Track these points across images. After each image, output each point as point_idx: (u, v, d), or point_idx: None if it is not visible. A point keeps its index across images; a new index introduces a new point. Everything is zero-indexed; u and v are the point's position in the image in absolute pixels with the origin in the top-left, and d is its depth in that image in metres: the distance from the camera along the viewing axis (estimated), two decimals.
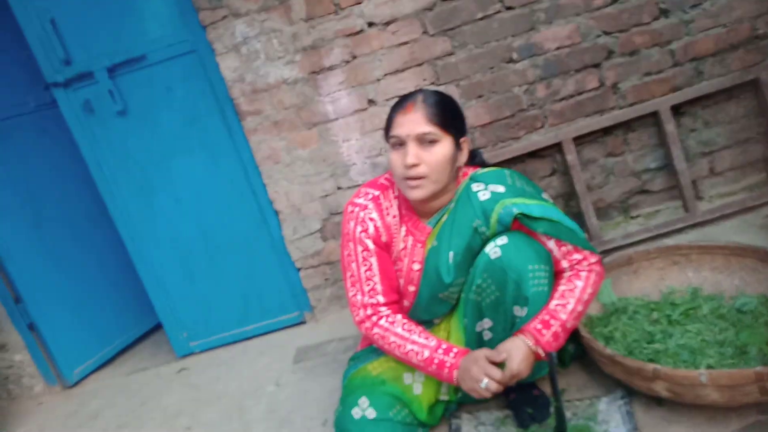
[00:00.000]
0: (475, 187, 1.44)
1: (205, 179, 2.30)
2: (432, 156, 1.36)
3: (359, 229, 1.48)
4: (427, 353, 1.38)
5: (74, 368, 2.60)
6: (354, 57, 2.10)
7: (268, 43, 2.09)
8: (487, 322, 1.43)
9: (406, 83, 2.12)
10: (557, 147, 2.17)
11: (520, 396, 1.50)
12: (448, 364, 1.36)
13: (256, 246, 2.38)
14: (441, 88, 2.10)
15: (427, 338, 1.41)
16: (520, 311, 1.37)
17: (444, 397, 1.53)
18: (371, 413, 1.46)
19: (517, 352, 1.29)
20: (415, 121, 1.36)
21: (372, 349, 1.63)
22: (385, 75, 2.11)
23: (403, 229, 1.51)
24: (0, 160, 2.44)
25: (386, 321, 1.46)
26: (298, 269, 2.37)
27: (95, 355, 2.67)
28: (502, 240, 1.37)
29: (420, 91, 1.44)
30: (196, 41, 2.12)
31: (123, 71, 2.18)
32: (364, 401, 1.48)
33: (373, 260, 1.48)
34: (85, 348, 2.64)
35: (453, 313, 1.53)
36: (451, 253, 1.42)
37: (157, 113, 2.23)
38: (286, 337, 2.42)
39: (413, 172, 1.36)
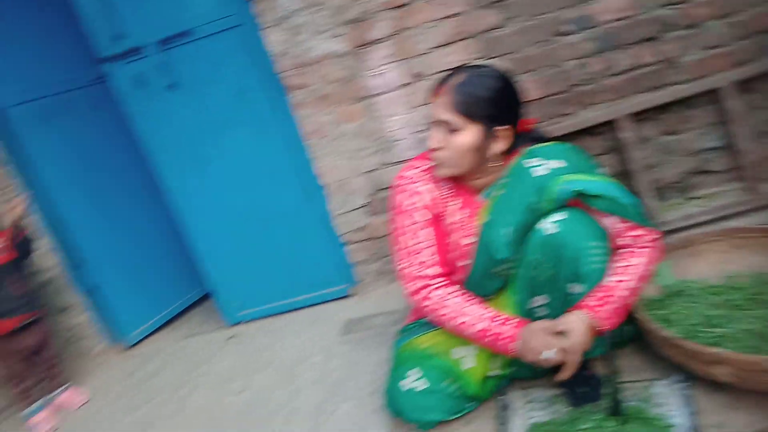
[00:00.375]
0: (530, 162, 1.42)
1: (254, 152, 2.34)
2: (452, 143, 1.39)
3: (411, 200, 1.49)
4: (482, 325, 1.39)
5: (132, 331, 2.75)
6: (400, 30, 2.07)
7: (313, 16, 2.07)
8: (540, 299, 1.43)
9: (453, 57, 2.08)
10: (611, 124, 2.10)
11: (573, 375, 1.50)
12: (503, 336, 1.36)
13: (303, 219, 2.42)
14: (489, 62, 2.06)
15: (482, 309, 1.41)
16: (576, 288, 1.36)
17: (494, 372, 1.55)
18: (420, 385, 1.49)
19: (577, 326, 1.28)
20: (440, 107, 1.38)
21: (421, 323, 1.65)
22: (432, 48, 2.08)
23: (457, 202, 1.51)
24: (58, 132, 2.55)
25: (439, 293, 1.46)
26: (344, 243, 2.41)
27: (151, 319, 2.81)
28: (560, 216, 1.36)
29: (462, 70, 1.40)
30: (241, 15, 2.13)
31: (172, 45, 2.21)
32: (413, 373, 1.51)
33: (426, 231, 1.49)
34: (142, 312, 2.78)
35: (504, 290, 1.53)
36: (505, 230, 1.41)
37: (205, 87, 2.26)
38: (333, 310, 2.48)
39: (433, 154, 1.42)
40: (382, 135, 2.21)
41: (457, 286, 1.49)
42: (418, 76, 2.12)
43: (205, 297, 3.02)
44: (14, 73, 2.42)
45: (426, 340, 1.60)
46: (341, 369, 2.02)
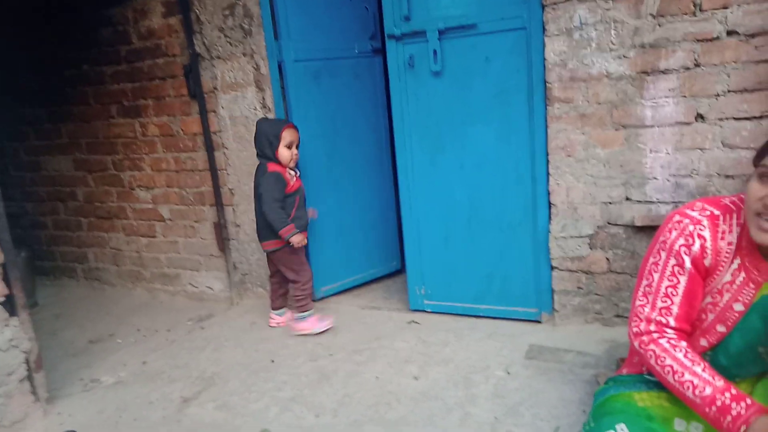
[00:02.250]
0: None
1: (492, 153, 2.34)
2: None
3: (681, 241, 1.32)
4: (709, 390, 1.21)
5: (323, 286, 2.94)
6: (697, 65, 1.90)
7: (605, 32, 2.00)
8: None
9: (750, 106, 1.85)
10: None
11: None
12: (734, 412, 1.16)
13: (518, 231, 2.37)
14: None
15: (713, 376, 1.23)
16: None
17: None
18: None
19: None
20: None
21: (640, 378, 1.50)
22: (728, 92, 1.88)
23: (737, 261, 1.32)
24: (321, 92, 2.81)
25: (668, 342, 1.30)
26: (553, 268, 2.30)
27: (341, 280, 2.98)
28: None
29: None
30: (529, 19, 2.13)
31: (451, 35, 2.29)
32: (622, 428, 1.37)
33: (683, 279, 1.33)
34: (335, 271, 2.96)
35: (765, 375, 1.32)
36: None
37: (469, 80, 2.31)
38: (518, 330, 2.39)
39: (761, 210, 1.19)
40: (635, 169, 2.06)
41: (687, 344, 1.31)
42: (701, 118, 1.93)
43: (391, 275, 3.12)
44: (300, 33, 2.72)
45: (646, 399, 1.44)
46: (521, 392, 1.93)
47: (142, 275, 3.44)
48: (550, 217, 2.26)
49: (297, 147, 2.55)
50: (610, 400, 1.50)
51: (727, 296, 1.33)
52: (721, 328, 1.34)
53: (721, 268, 1.33)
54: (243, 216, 2.95)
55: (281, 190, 2.48)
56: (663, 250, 1.36)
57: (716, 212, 1.33)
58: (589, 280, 2.24)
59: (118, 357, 2.63)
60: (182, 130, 3.00)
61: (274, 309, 2.75)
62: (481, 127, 2.34)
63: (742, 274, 1.31)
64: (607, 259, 2.19)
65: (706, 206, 1.36)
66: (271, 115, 2.74)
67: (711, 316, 1.36)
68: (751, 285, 1.30)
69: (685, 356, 1.28)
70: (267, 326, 2.72)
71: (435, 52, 2.32)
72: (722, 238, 1.32)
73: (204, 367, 2.40)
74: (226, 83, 2.80)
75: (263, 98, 2.74)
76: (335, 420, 1.89)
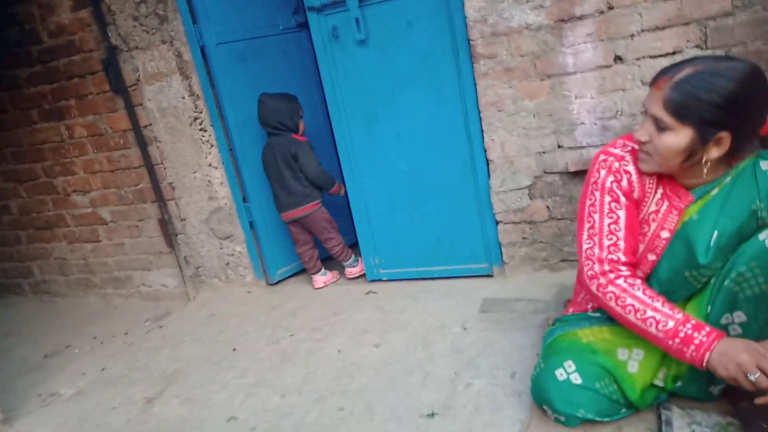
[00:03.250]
0: (764, 165, 1.26)
1: (426, 117, 2.34)
2: (658, 141, 1.28)
3: (611, 178, 1.38)
4: (671, 324, 1.26)
5: (278, 269, 2.93)
6: (610, 7, 1.94)
7: None
8: (738, 316, 1.28)
9: (663, 43, 1.91)
10: None
11: (754, 406, 1.34)
12: (696, 341, 1.22)
13: (460, 191, 2.40)
14: (707, 53, 1.87)
15: (672, 309, 1.29)
16: None
17: (659, 383, 1.43)
18: (576, 378, 1.42)
19: None
20: (655, 101, 1.26)
21: (584, 316, 1.57)
22: (642, 31, 1.92)
23: (660, 191, 1.38)
24: (250, 73, 2.75)
25: (625, 281, 1.35)
26: (497, 222, 2.35)
27: (295, 262, 2.97)
28: None
29: (688, 64, 1.23)
30: None
31: (371, 2, 2.26)
32: (570, 365, 1.45)
33: (622, 213, 1.38)
34: (288, 253, 2.95)
35: (692, 298, 1.40)
36: (715, 233, 1.28)
37: (394, 46, 2.30)
38: (472, 286, 2.45)
39: (642, 147, 1.32)
40: (563, 117, 2.11)
41: (641, 280, 1.38)
42: (619, 60, 1.98)
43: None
44: (220, 15, 2.63)
45: (589, 335, 1.51)
46: (478, 345, 1.98)
47: (92, 282, 3.35)
48: (489, 173, 2.30)
49: None
50: (557, 340, 1.56)
51: (654, 225, 1.39)
52: (651, 257, 1.41)
53: (647, 199, 1.39)
54: (187, 209, 2.89)
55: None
56: (596, 190, 1.41)
57: (636, 147, 1.38)
58: (533, 230, 2.31)
59: (76, 367, 2.57)
60: (110, 127, 2.89)
61: (315, 273, 2.83)
62: (412, 92, 2.34)
63: (666, 203, 1.38)
64: (547, 207, 2.25)
65: (627, 142, 1.42)
66: (200, 102, 2.67)
67: (641, 247, 1.42)
68: (674, 212, 1.37)
69: (643, 293, 1.33)
70: (225, 317, 2.70)
71: (357, 20, 2.28)
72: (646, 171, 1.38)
73: (165, 366, 2.37)
74: (148, 74, 2.69)
75: (190, 85, 2.65)
76: (300, 398, 1.91)
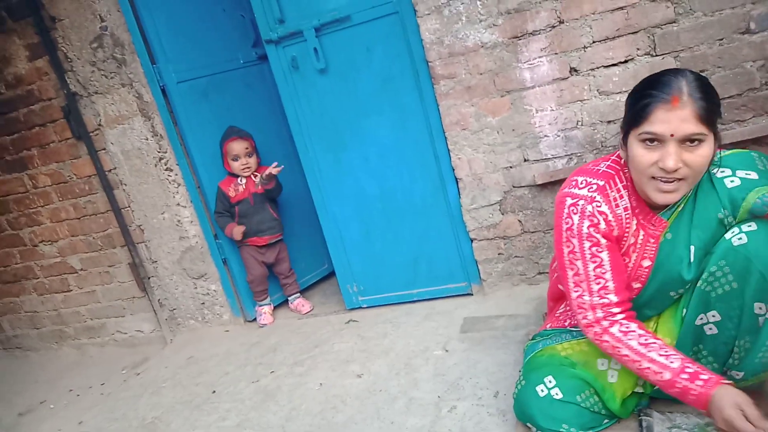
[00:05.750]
0: (719, 173, 1.27)
1: (393, 140, 2.35)
2: (695, 158, 1.18)
3: (587, 224, 1.33)
4: (668, 375, 1.23)
5: (255, 304, 2.87)
6: (561, 21, 1.98)
7: (471, 4, 2.04)
8: (713, 315, 1.29)
9: (615, 52, 1.95)
10: None
11: None
12: (694, 392, 1.20)
13: (432, 211, 2.40)
14: (657, 60, 1.91)
15: (667, 357, 1.25)
16: (762, 309, 1.21)
17: (639, 389, 1.42)
18: (557, 393, 1.41)
19: None
20: (684, 120, 1.16)
21: (562, 330, 1.56)
22: (593, 42, 1.96)
23: (634, 222, 1.35)
24: (213, 109, 2.74)
25: (619, 330, 1.31)
26: (472, 240, 2.35)
27: (273, 296, 2.92)
28: (750, 226, 1.21)
29: (677, 75, 1.20)
30: (399, 2, 2.15)
31: (328, 31, 2.28)
32: (550, 380, 1.43)
33: (605, 255, 1.33)
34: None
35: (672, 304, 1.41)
36: (692, 248, 1.29)
37: (354, 73, 2.31)
38: (452, 306, 2.43)
39: (673, 175, 1.20)
40: (526, 131, 2.13)
41: (636, 323, 1.34)
42: (574, 71, 2.01)
43: (325, 278, 3.10)
44: (179, 53, 2.63)
45: (568, 348, 1.51)
46: (460, 366, 1.96)
47: (65, 333, 3.25)
48: (459, 192, 2.30)
49: (250, 155, 2.69)
50: (536, 355, 1.55)
51: (634, 256, 1.38)
52: (636, 285, 1.41)
53: (626, 234, 1.37)
54: (158, 250, 2.84)
55: (222, 203, 2.72)
56: (573, 237, 1.35)
57: (601, 183, 1.35)
58: (508, 245, 2.31)
59: (52, 424, 2.48)
60: (75, 174, 2.85)
61: (262, 302, 2.86)
62: (376, 117, 2.34)
63: (642, 233, 1.36)
64: (519, 221, 2.26)
65: (589, 180, 1.37)
66: (164, 142, 2.64)
67: (631, 277, 1.40)
68: (651, 240, 1.36)
69: (638, 343, 1.28)
70: (204, 359, 2.63)
71: (316, 49, 2.30)
72: (617, 206, 1.35)
73: (143, 414, 2.29)
74: (110, 118, 2.66)
75: (152, 126, 2.63)
76: None
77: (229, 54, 2.79)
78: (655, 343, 1.28)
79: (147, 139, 2.65)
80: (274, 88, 2.86)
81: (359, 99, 2.34)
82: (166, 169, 2.68)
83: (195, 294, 2.87)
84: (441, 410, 1.75)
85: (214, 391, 2.30)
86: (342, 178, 2.48)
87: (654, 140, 1.21)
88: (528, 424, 1.46)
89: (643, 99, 1.22)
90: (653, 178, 1.23)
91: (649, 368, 1.26)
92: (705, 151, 1.19)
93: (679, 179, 1.21)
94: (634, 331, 1.30)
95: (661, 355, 1.25)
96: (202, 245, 2.76)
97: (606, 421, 1.43)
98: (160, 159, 2.67)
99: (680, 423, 1.38)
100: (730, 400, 1.15)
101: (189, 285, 2.86)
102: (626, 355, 1.29)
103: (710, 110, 1.17)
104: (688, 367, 1.22)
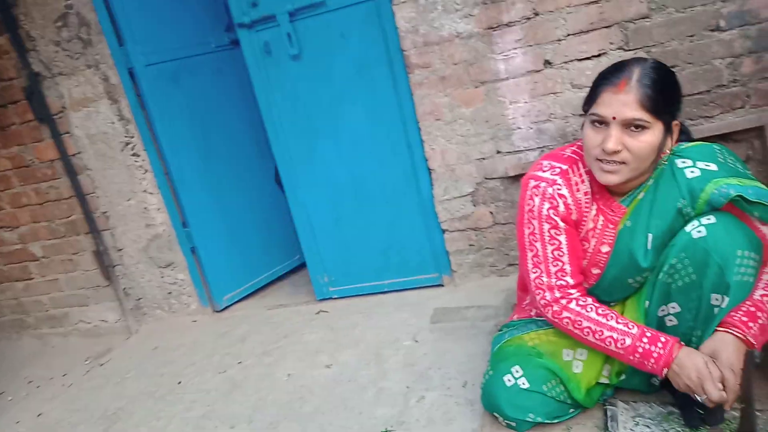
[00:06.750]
0: (680, 163, 1.29)
1: (366, 129, 2.33)
2: (637, 143, 1.23)
3: (547, 205, 1.36)
4: (629, 341, 1.28)
5: (224, 294, 2.83)
6: (536, 14, 1.97)
7: None
8: (673, 307, 1.31)
9: (589, 46, 1.96)
10: (757, 132, 1.91)
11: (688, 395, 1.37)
12: (654, 355, 1.24)
13: (404, 202, 2.38)
14: (629, 55, 1.93)
15: (626, 324, 1.30)
16: (718, 300, 1.23)
17: (604, 380, 1.44)
18: (524, 383, 1.42)
19: (733, 350, 1.17)
20: (626, 104, 1.21)
21: (529, 320, 1.56)
22: (568, 35, 1.97)
23: (594, 207, 1.38)
24: (181, 95, 2.66)
25: (577, 304, 1.35)
26: (443, 231, 2.34)
27: (243, 285, 2.88)
28: (709, 219, 1.23)
29: (638, 62, 1.25)
30: None
31: (302, 16, 2.24)
32: (517, 370, 1.44)
33: (563, 238, 1.37)
34: (235, 277, 2.86)
35: (630, 296, 1.43)
36: (650, 236, 1.31)
37: (329, 59, 2.27)
38: (423, 297, 2.42)
39: (613, 157, 1.24)
40: (499, 122, 2.13)
41: (592, 298, 1.38)
42: (548, 64, 2.01)
43: (296, 269, 3.07)
44: (148, 35, 2.55)
45: (535, 338, 1.51)
46: (430, 356, 1.96)
47: (26, 322, 3.15)
48: (431, 182, 2.29)
49: None
50: (504, 345, 1.56)
51: (593, 241, 1.40)
52: (595, 270, 1.42)
53: (585, 218, 1.39)
54: (123, 238, 2.76)
55: None
56: (534, 218, 1.39)
57: (564, 167, 1.39)
58: (479, 236, 2.31)
59: (10, 416, 2.40)
60: (37, 158, 2.75)
61: None
62: (350, 105, 2.32)
63: (601, 218, 1.38)
64: (491, 212, 2.26)
65: (554, 163, 1.40)
66: (131, 127, 2.57)
67: (585, 262, 1.43)
68: (610, 226, 1.38)
69: (597, 314, 1.33)
70: (170, 349, 2.58)
71: (289, 35, 2.25)
72: (578, 190, 1.38)
73: (107, 405, 2.23)
74: (74, 100, 2.57)
75: (119, 109, 2.55)
76: (251, 426, 1.83)
77: (201, 37, 2.72)
78: (612, 313, 1.33)
79: (113, 123, 2.57)
80: (247, 73, 2.82)
81: (333, 86, 2.31)
82: (132, 155, 2.61)
83: (162, 283, 2.80)
84: (409, 400, 1.74)
85: (180, 382, 2.25)
86: (314, 166, 2.44)
87: (601, 122, 1.26)
88: (495, 414, 1.47)
89: (597, 82, 1.28)
90: (598, 159, 1.27)
91: (610, 337, 1.30)
92: (647, 138, 1.23)
93: (621, 162, 1.25)
94: (591, 305, 1.35)
95: (620, 322, 1.31)
96: (170, 233, 2.70)
97: (571, 410, 1.45)
98: (127, 144, 2.60)
99: (644, 412, 1.41)
100: (692, 364, 1.19)
101: (156, 274, 2.79)
102: (587, 327, 1.33)
103: (655, 99, 1.21)
104: (648, 331, 1.28)
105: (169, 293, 2.82)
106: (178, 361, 2.44)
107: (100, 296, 2.91)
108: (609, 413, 1.43)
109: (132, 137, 2.59)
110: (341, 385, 1.93)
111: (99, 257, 2.80)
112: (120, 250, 2.79)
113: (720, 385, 1.15)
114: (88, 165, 2.67)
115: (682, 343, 1.26)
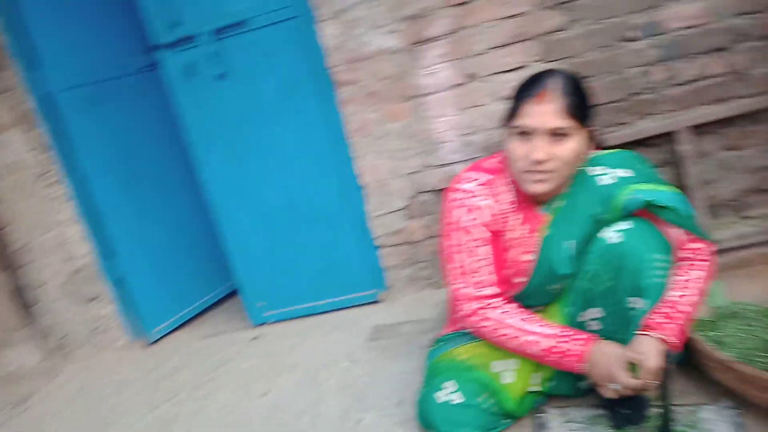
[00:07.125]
0: (594, 171, 1.33)
1: (295, 148, 2.28)
2: (563, 151, 1.25)
3: (468, 217, 1.37)
4: (546, 343, 1.28)
5: (155, 326, 2.68)
6: (458, 28, 2.01)
7: (371, 10, 2.03)
8: (594, 312, 1.33)
9: (510, 59, 2.00)
10: (669, 136, 1.99)
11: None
12: (571, 353, 1.26)
13: (338, 220, 2.34)
14: (549, 66, 1.98)
15: (546, 326, 1.31)
16: (635, 303, 1.25)
17: (535, 388, 1.43)
18: (456, 398, 1.39)
19: (652, 353, 1.18)
20: (548, 114, 1.23)
21: (458, 334, 1.55)
22: (489, 49, 2.01)
23: (517, 216, 1.39)
24: (102, 120, 2.54)
25: (497, 313, 1.35)
26: (378, 247, 2.32)
27: (174, 316, 2.74)
28: (624, 225, 1.27)
29: (552, 73, 1.28)
30: (299, 7, 2.10)
31: (226, 35, 2.19)
32: (449, 385, 1.41)
33: (483, 249, 1.38)
34: (165, 308, 2.72)
35: (554, 301, 1.43)
36: (570, 243, 1.32)
37: (255, 79, 2.23)
38: (360, 315, 2.37)
39: (541, 167, 1.25)
40: (427, 136, 2.14)
41: (514, 304, 1.39)
42: (472, 77, 2.04)
43: (230, 296, 2.95)
44: (65, 58, 2.43)
45: (464, 352, 1.50)
46: (367, 376, 1.91)
47: None
48: (364, 199, 2.27)
49: None
50: (436, 361, 1.53)
51: (517, 250, 1.41)
52: (519, 279, 1.43)
53: (508, 227, 1.40)
54: (46, 271, 2.59)
55: None
56: (454, 230, 1.40)
57: (486, 178, 1.40)
58: (413, 250, 2.29)
59: None
60: None
61: None
62: (279, 124, 2.27)
63: (526, 227, 1.39)
64: (424, 226, 2.25)
65: (475, 175, 1.42)
66: (47, 155, 2.43)
67: (511, 270, 1.43)
68: (533, 234, 1.39)
69: (519, 320, 1.33)
70: (97, 389, 2.40)
71: (214, 54, 2.20)
72: (501, 201, 1.39)
73: None
74: None
75: (35, 137, 2.41)
76: None
77: (122, 59, 2.61)
78: (533, 317, 1.34)
79: (28, 152, 2.42)
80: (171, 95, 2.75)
81: (261, 106, 2.26)
82: (50, 184, 2.46)
83: (86, 319, 2.63)
84: (346, 423, 1.68)
85: (107, 425, 2.10)
86: (244, 188, 2.37)
87: (526, 133, 1.26)
88: (430, 431, 1.43)
89: (517, 96, 1.29)
90: (527, 171, 1.28)
91: (529, 341, 1.30)
92: (572, 144, 1.26)
93: (549, 171, 1.26)
94: (512, 312, 1.36)
95: (541, 326, 1.32)
96: (94, 264, 2.55)
97: (504, 420, 1.43)
98: (44, 173, 2.45)
99: (574, 417, 1.42)
100: (601, 353, 1.22)
101: (79, 309, 2.62)
102: (507, 334, 1.33)
103: (575, 105, 1.24)
104: (566, 330, 1.30)
105: (95, 329, 2.65)
106: (105, 402, 2.28)
107: (18, 338, 2.69)
108: (536, 422, 1.43)
109: (50, 165, 2.45)
110: (278, 412, 1.84)
111: (16, 295, 2.61)
112: (40, 286, 2.61)
113: (630, 374, 1.18)
114: (2, 197, 2.50)
115: (599, 338, 1.28)
